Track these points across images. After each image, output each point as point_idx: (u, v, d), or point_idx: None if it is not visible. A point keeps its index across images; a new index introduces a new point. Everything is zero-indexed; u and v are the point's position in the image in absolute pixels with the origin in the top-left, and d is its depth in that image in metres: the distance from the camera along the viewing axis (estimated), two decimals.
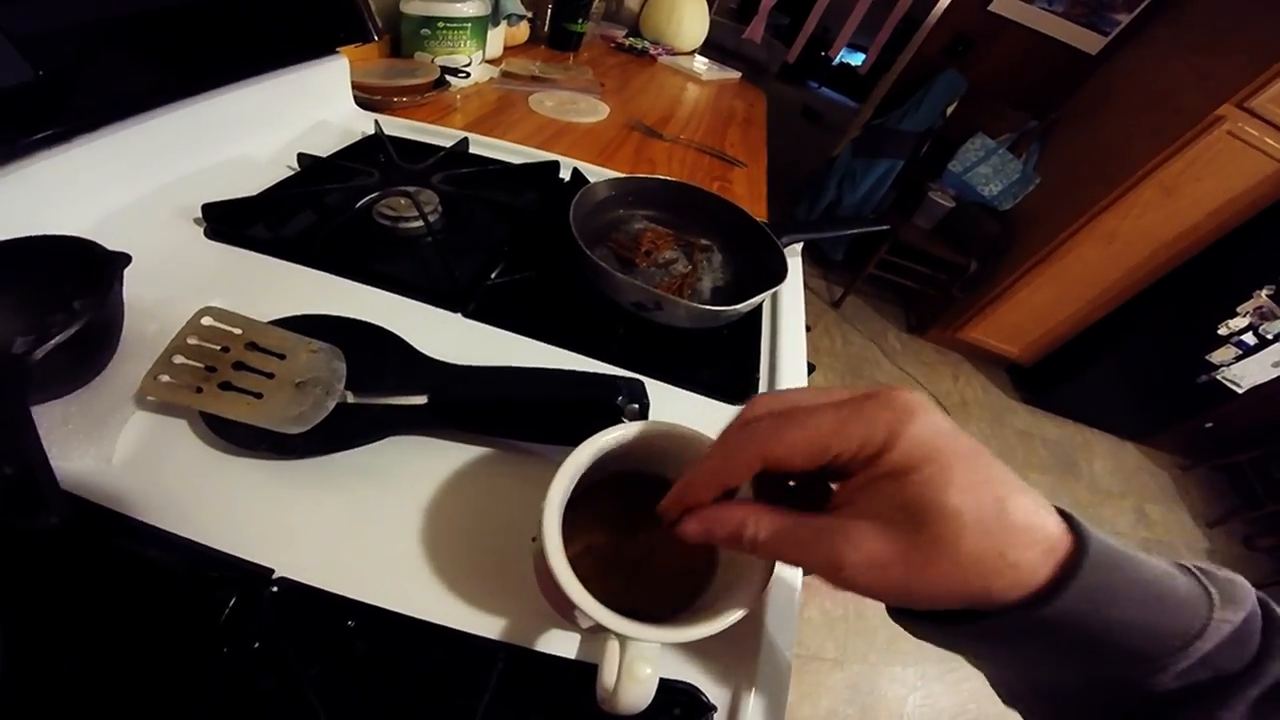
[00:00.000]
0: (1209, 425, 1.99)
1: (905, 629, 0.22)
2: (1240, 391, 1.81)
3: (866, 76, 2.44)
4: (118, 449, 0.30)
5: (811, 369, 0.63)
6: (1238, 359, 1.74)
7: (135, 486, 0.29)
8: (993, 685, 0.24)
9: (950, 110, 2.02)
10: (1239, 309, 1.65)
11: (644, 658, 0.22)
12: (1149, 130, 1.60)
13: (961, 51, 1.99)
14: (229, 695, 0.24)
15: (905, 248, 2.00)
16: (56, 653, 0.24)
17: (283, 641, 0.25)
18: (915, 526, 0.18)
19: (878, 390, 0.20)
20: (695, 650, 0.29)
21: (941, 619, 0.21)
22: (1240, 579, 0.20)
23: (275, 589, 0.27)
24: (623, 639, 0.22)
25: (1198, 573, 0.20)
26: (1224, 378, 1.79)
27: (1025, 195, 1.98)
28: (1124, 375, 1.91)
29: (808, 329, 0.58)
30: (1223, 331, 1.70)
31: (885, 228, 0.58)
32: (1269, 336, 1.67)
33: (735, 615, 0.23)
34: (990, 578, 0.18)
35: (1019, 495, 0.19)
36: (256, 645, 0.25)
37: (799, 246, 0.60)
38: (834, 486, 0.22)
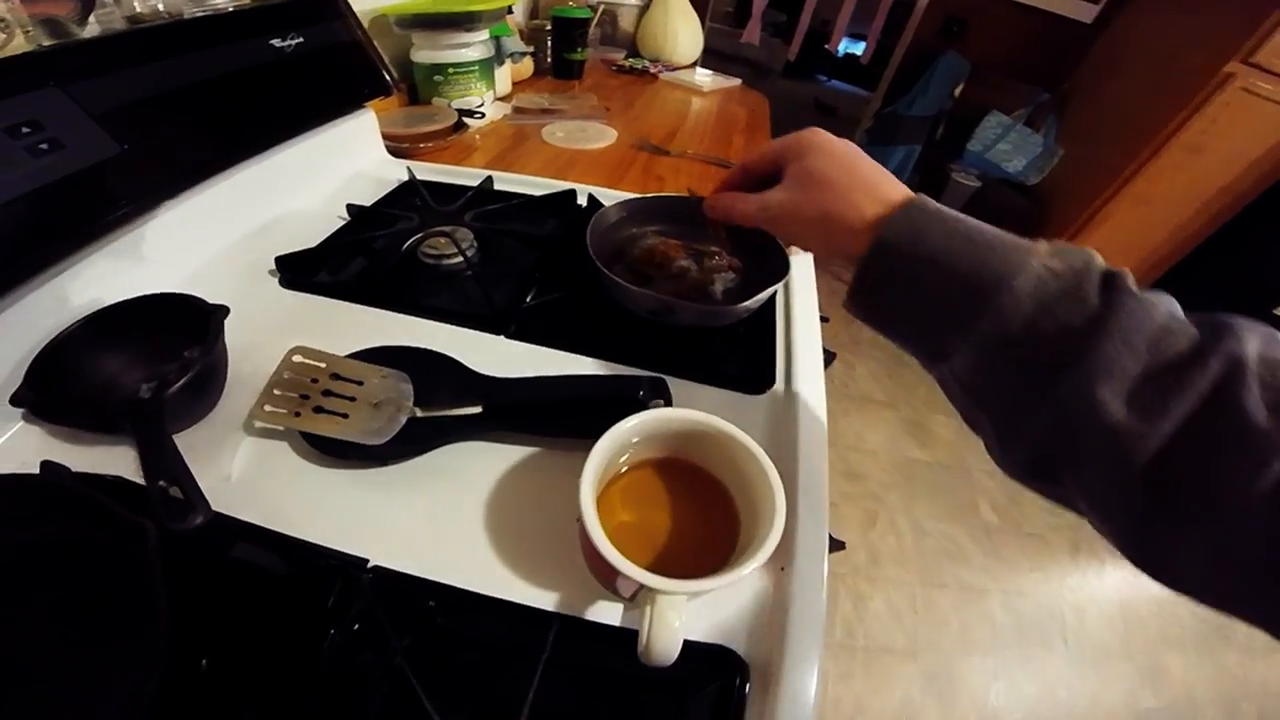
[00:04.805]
0: None
1: (851, 311, 0.30)
2: None
3: (870, 65, 2.44)
4: (234, 469, 0.36)
5: (832, 357, 0.65)
6: None
7: (251, 498, 0.34)
8: (952, 402, 0.28)
9: (958, 91, 2.02)
10: None
11: (673, 608, 0.25)
12: (1161, 92, 1.58)
13: (957, 33, 1.99)
14: (338, 672, 0.28)
15: None
16: (198, 642, 0.28)
17: (379, 620, 0.30)
18: (801, 183, 0.32)
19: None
20: (729, 621, 0.32)
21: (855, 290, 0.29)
22: (1087, 250, 0.24)
23: (370, 576, 0.32)
24: (652, 592, 0.26)
25: (1039, 241, 0.25)
26: None
27: (1050, 167, 1.95)
28: None
29: (824, 319, 0.60)
30: None
31: None
32: None
33: (747, 568, 0.26)
34: (844, 211, 0.29)
35: (868, 172, 0.30)
36: (357, 627, 0.30)
37: None
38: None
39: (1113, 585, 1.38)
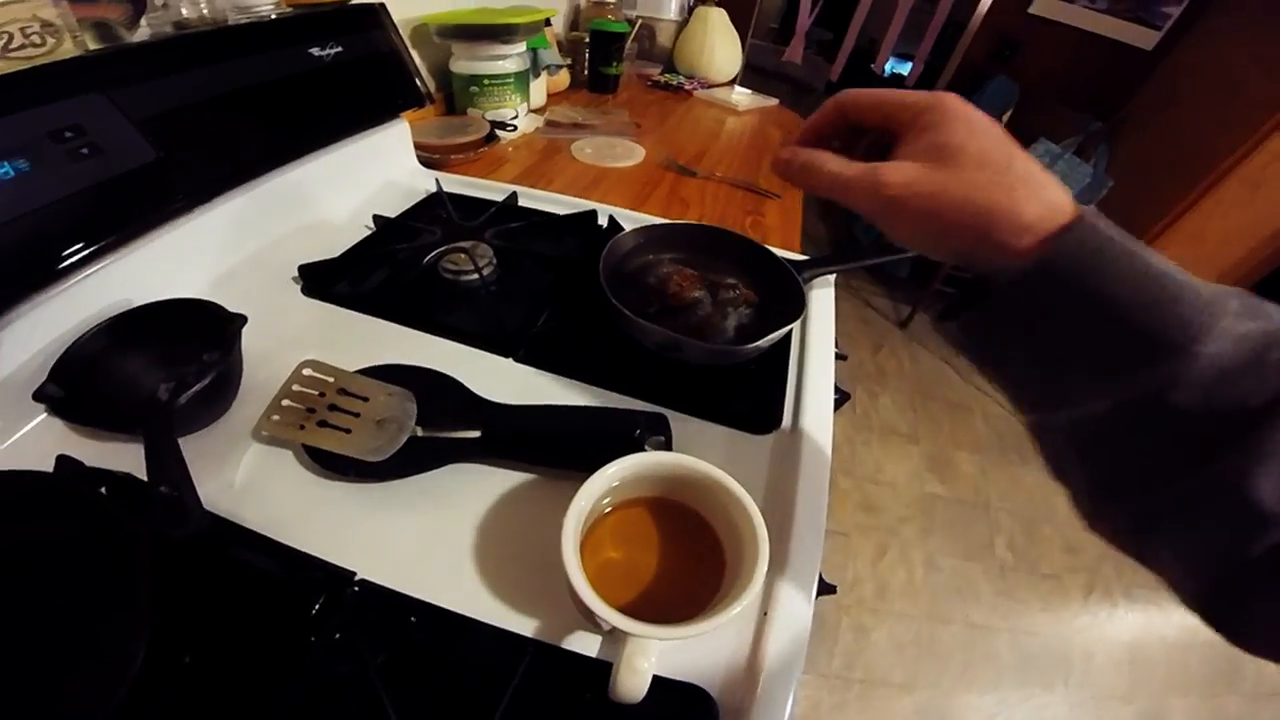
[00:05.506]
0: None
1: (942, 333, 0.26)
2: None
3: (916, 87, 2.39)
4: (239, 475, 0.37)
5: (845, 398, 0.63)
6: None
7: (252, 504, 0.35)
8: (1040, 447, 0.25)
9: (1006, 117, 1.96)
10: None
11: (641, 652, 0.26)
12: (1222, 124, 1.51)
13: (1009, 56, 1.94)
14: (315, 677, 0.29)
15: None
16: (183, 637, 0.29)
17: (359, 633, 0.31)
18: (940, 159, 0.23)
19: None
20: (706, 660, 0.32)
21: (965, 304, 0.24)
22: (1272, 306, 0.20)
23: (356, 589, 0.32)
24: (623, 635, 0.26)
25: (1226, 288, 0.20)
26: None
27: (1098, 200, 1.88)
28: None
29: (840, 358, 0.59)
30: None
31: (911, 253, 0.59)
32: None
33: (719, 620, 0.26)
34: (1002, 207, 0.22)
35: (1031, 163, 0.23)
36: (338, 636, 0.30)
37: (833, 277, 0.61)
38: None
39: (1125, 628, 1.34)
